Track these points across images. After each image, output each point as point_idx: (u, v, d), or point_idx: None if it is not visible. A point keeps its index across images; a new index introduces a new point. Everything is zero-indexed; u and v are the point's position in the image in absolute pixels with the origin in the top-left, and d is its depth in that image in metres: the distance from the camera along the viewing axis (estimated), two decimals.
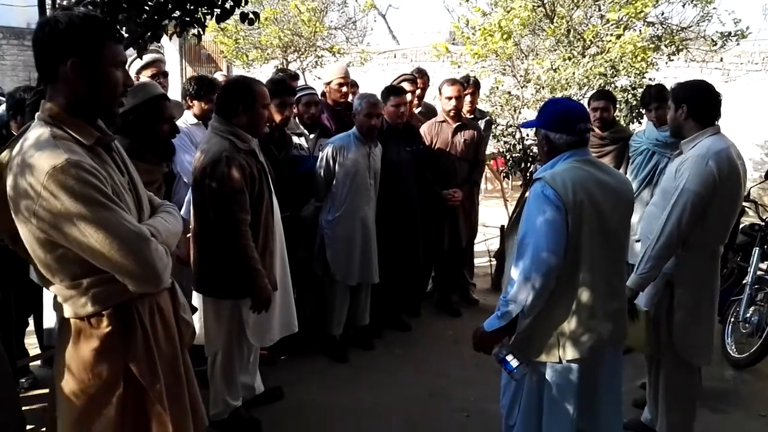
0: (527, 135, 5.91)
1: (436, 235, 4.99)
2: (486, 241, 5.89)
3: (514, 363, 2.32)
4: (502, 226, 5.98)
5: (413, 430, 3.48)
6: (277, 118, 3.79)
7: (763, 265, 4.61)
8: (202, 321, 3.13)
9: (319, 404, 3.70)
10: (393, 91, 4.51)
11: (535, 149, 5.81)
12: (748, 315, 4.37)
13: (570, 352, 2.35)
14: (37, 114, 1.75)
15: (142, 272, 1.72)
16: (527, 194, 2.39)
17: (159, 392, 1.87)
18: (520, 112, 6.00)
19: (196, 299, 3.18)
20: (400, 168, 4.55)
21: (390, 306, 4.87)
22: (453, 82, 4.94)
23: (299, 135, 4.24)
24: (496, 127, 5.84)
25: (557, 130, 2.38)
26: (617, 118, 5.22)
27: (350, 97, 4.91)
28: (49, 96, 1.76)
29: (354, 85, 5.56)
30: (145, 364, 1.85)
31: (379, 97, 4.30)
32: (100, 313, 1.79)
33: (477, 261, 5.96)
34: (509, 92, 6.03)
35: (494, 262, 6.01)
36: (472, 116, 5.36)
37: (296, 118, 4.28)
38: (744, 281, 4.54)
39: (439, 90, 4.99)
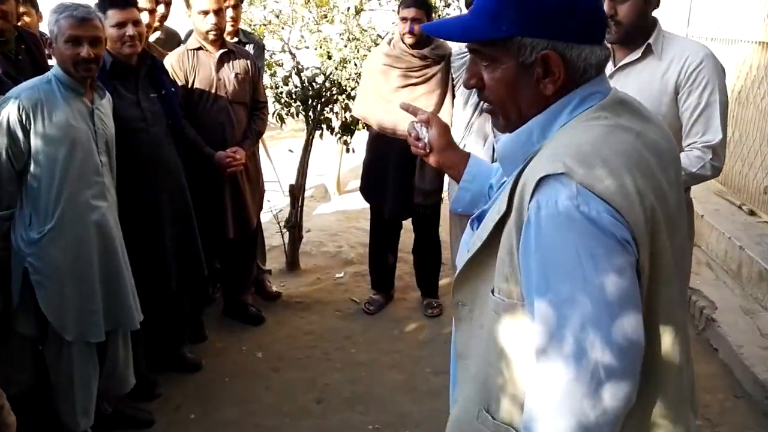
0: (300, 63, 4.47)
1: (216, 219, 3.39)
2: (268, 202, 4.35)
3: None
4: (292, 186, 4.54)
5: None
6: None
7: None
8: None
9: None
10: (114, 0, 2.69)
11: (318, 80, 4.41)
12: None
13: None
14: None
15: None
16: (525, 213, 0.99)
17: None
18: (290, 29, 4.51)
19: None
20: (147, 128, 2.81)
21: (163, 342, 3.20)
22: None
23: None
24: (271, 55, 4.29)
25: (580, 38, 1.02)
26: None
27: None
28: None
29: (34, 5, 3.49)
30: None
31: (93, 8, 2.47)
32: None
33: (265, 235, 4.46)
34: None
35: (286, 233, 4.59)
36: (237, 40, 3.74)
37: None
38: None
39: (187, 2, 3.27)
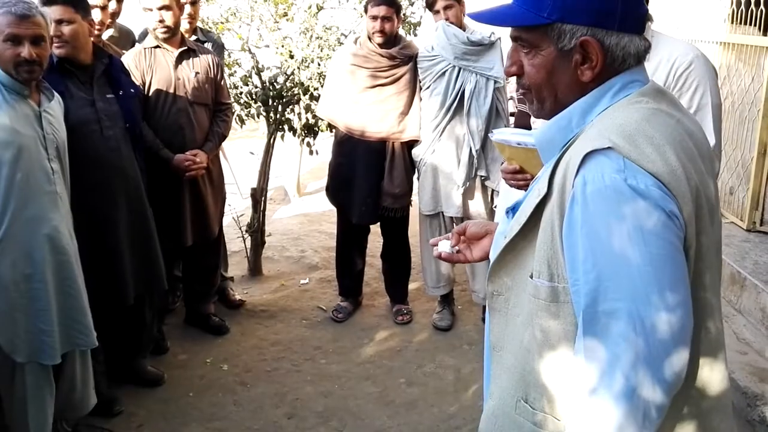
0: (262, 64, 4.31)
1: (174, 226, 3.22)
2: (229, 206, 4.17)
3: None
4: (253, 191, 4.38)
5: None
6: None
7: None
8: None
9: None
10: None
11: (279, 80, 4.26)
12: None
13: None
14: None
15: None
16: (569, 191, 0.98)
17: None
18: (249, 27, 4.34)
19: None
20: (101, 130, 2.63)
21: (123, 355, 3.01)
22: None
23: None
24: (229, 54, 4.12)
25: (619, 27, 1.02)
26: None
27: None
28: None
29: None
30: None
31: (35, 3, 2.28)
32: None
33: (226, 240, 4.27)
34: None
35: (248, 238, 4.43)
36: (195, 38, 3.57)
37: None
38: None
39: None
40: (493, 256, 1.16)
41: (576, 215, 0.95)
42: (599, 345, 0.92)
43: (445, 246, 1.43)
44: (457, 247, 1.43)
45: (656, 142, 0.96)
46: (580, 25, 1.01)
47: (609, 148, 0.95)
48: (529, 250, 1.06)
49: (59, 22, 2.50)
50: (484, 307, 3.58)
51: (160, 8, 3.03)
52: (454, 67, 3.35)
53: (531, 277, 1.05)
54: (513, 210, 1.18)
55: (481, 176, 3.42)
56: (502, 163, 3.25)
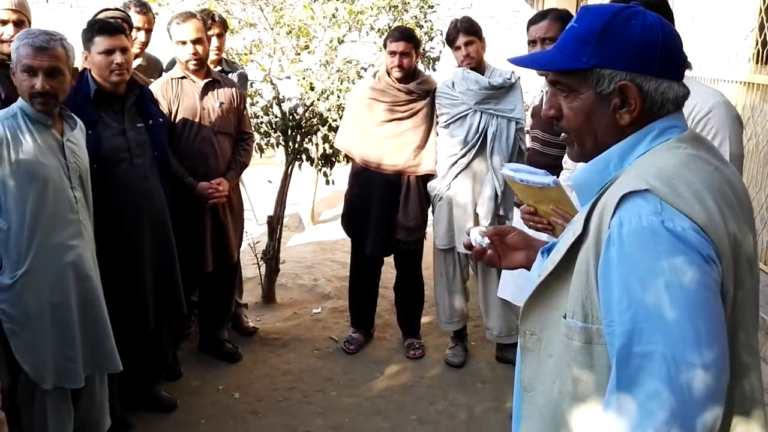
0: (283, 95, 4.38)
1: (195, 252, 3.26)
2: (246, 233, 4.19)
3: None
4: (270, 219, 4.43)
5: None
6: None
7: None
8: None
9: None
10: (102, 27, 2.61)
11: (299, 111, 4.33)
12: None
13: None
14: None
15: None
16: (606, 232, 0.99)
17: None
18: (271, 59, 4.43)
19: None
20: (131, 159, 2.70)
21: (138, 380, 3.03)
22: (189, 16, 3.18)
23: None
24: (251, 85, 4.20)
25: (658, 72, 1.04)
26: None
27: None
28: None
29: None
30: None
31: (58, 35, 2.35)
32: None
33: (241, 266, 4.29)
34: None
35: (263, 265, 4.46)
36: (220, 69, 3.65)
37: None
38: None
39: (169, 31, 3.20)
40: (526, 296, 1.17)
41: (612, 255, 0.96)
42: (632, 399, 0.91)
43: (475, 234, 1.39)
44: (487, 240, 1.39)
45: (694, 187, 0.97)
46: (619, 70, 1.03)
47: (646, 190, 0.96)
48: (563, 290, 1.06)
49: (124, 50, 2.59)
50: (498, 344, 3.62)
51: (194, 41, 3.12)
52: (475, 111, 3.37)
53: (564, 317, 1.05)
54: (548, 250, 1.20)
55: (500, 215, 3.44)
56: (514, 201, 3.29)
